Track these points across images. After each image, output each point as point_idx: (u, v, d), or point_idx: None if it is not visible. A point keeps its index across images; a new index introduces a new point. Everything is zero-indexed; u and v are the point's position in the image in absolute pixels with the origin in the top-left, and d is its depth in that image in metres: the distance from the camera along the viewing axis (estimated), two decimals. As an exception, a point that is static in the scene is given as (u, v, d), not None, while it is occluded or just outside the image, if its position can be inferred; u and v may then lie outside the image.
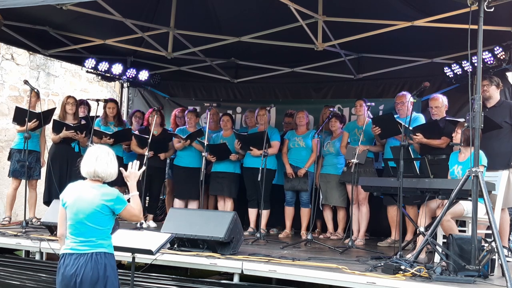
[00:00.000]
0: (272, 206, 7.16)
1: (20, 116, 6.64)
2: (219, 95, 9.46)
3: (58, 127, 6.96)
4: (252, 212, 7.20)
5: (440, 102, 6.03)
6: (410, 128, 5.68)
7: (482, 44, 4.38)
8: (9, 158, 6.96)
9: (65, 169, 6.97)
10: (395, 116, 6.22)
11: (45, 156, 7.04)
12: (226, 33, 7.65)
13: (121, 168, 3.61)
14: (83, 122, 7.19)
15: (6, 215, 6.92)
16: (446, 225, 4.85)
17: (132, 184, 3.64)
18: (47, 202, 6.84)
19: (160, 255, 4.77)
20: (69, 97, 7.29)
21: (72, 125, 6.95)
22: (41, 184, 7.23)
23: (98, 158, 3.47)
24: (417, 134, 5.81)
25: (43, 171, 7.09)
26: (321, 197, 7.07)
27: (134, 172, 3.66)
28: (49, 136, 7.37)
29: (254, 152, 6.86)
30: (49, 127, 7.28)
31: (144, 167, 3.74)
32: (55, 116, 7.14)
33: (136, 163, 3.72)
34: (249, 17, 7.23)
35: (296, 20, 6.53)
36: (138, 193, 3.67)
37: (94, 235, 3.39)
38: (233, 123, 7.60)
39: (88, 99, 7.90)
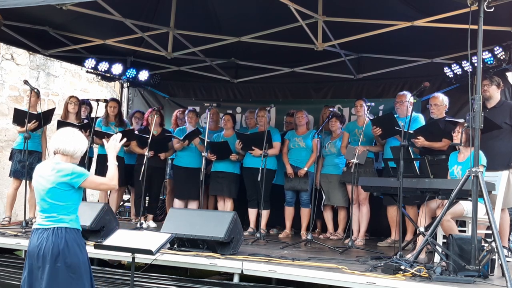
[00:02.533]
0: (272, 206, 7.15)
1: (20, 117, 6.64)
2: (219, 95, 9.46)
3: (63, 127, 6.93)
4: (252, 212, 7.20)
5: (440, 100, 6.03)
6: (411, 131, 5.66)
7: (482, 44, 4.38)
8: (10, 158, 6.96)
9: None
10: (395, 115, 6.22)
11: (47, 156, 7.03)
12: (226, 33, 7.65)
13: (104, 140, 3.69)
14: (86, 121, 7.19)
15: (6, 215, 6.92)
16: (446, 225, 4.85)
17: (110, 155, 3.74)
18: None
19: (160, 255, 4.76)
20: (71, 97, 7.28)
21: (77, 124, 6.96)
22: (41, 184, 7.22)
23: (60, 136, 3.63)
24: (418, 137, 5.80)
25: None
26: (323, 197, 7.07)
27: (114, 144, 3.78)
28: (49, 136, 7.37)
29: (255, 152, 6.85)
30: (50, 127, 7.28)
31: (124, 140, 3.85)
32: (58, 116, 7.14)
33: (119, 135, 3.85)
34: (249, 17, 7.23)
35: (296, 20, 6.54)
36: (115, 163, 3.73)
37: (55, 210, 3.53)
38: (234, 123, 7.58)
39: (88, 99, 7.90)
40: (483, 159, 4.91)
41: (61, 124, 6.97)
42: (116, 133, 7.02)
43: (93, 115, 7.60)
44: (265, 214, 6.95)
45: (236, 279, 4.80)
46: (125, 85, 9.84)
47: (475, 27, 4.34)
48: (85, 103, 7.73)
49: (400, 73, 8.12)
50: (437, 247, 4.69)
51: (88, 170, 6.09)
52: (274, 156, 7.04)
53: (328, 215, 7.27)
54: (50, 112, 7.05)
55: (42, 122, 6.68)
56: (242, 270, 4.74)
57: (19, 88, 9.79)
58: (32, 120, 6.58)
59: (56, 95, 10.54)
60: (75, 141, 3.62)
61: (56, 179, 3.50)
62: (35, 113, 6.72)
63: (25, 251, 5.97)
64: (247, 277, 4.85)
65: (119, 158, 6.51)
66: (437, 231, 4.95)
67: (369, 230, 7.00)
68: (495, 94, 5.69)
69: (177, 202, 7.35)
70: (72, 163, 3.61)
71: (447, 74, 7.55)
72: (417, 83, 7.35)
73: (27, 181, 6.70)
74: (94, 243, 4.40)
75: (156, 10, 7.37)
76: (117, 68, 8.83)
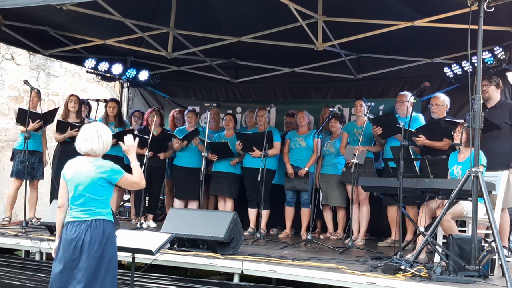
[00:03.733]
0: (272, 206, 7.15)
1: (23, 117, 6.64)
2: (219, 95, 9.46)
3: (63, 127, 6.96)
4: (252, 212, 7.20)
5: (441, 100, 6.02)
6: (412, 130, 5.66)
7: (482, 44, 4.38)
8: (12, 159, 6.96)
9: None
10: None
11: (47, 156, 7.04)
12: (226, 33, 7.65)
13: (120, 142, 3.95)
14: (86, 121, 7.19)
15: (6, 215, 6.92)
16: (446, 225, 4.85)
17: (132, 156, 3.89)
18: None
19: (160, 255, 4.76)
20: (71, 95, 7.28)
21: (76, 123, 6.96)
22: (41, 184, 7.23)
23: (90, 137, 3.74)
24: (419, 136, 5.80)
25: (46, 171, 7.08)
26: (321, 196, 7.07)
27: (131, 145, 3.90)
28: (49, 136, 7.37)
29: (255, 153, 6.85)
30: (50, 127, 7.29)
31: (137, 139, 4.00)
32: (59, 116, 7.15)
33: (130, 136, 3.95)
34: (249, 17, 7.23)
35: (296, 20, 6.54)
36: (138, 163, 3.90)
37: (93, 204, 3.69)
38: (235, 123, 7.57)
39: (88, 99, 7.91)
40: (483, 159, 4.90)
41: (60, 124, 6.98)
42: (116, 133, 7.06)
43: (92, 115, 7.63)
44: (265, 214, 6.95)
45: (236, 279, 4.81)
46: (125, 85, 9.84)
47: (475, 27, 4.34)
48: (85, 103, 7.74)
49: (400, 73, 8.12)
50: (437, 247, 4.69)
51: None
52: (274, 156, 7.03)
53: (328, 215, 7.27)
54: (53, 112, 7.06)
55: (44, 122, 6.69)
56: (242, 270, 4.74)
57: (19, 88, 9.79)
58: (36, 120, 6.59)
59: (56, 95, 10.54)
60: (98, 141, 3.74)
61: (96, 175, 3.68)
62: (38, 112, 6.73)
63: (26, 251, 6.02)
64: (247, 277, 4.85)
65: (118, 158, 6.57)
66: (437, 231, 4.95)
67: (369, 230, 7.00)
68: (494, 94, 5.68)
69: (177, 202, 7.35)
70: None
71: (447, 74, 7.55)
72: (417, 83, 7.35)
73: (27, 181, 6.70)
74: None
75: (156, 10, 7.36)
76: (117, 68, 8.83)
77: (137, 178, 3.84)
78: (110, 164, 3.74)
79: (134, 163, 3.87)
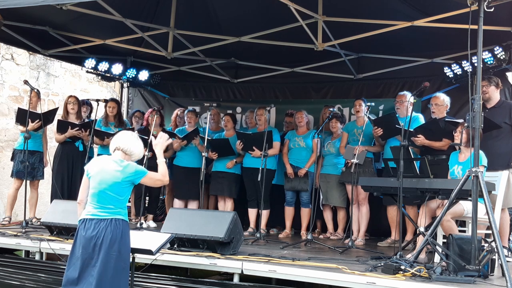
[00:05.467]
0: (272, 206, 7.15)
1: (22, 117, 6.64)
2: (219, 95, 9.46)
3: (63, 126, 6.96)
4: (252, 212, 7.20)
5: (441, 100, 6.02)
6: (411, 129, 5.65)
7: (482, 44, 4.38)
8: (12, 159, 6.96)
9: (70, 168, 7.01)
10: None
11: (47, 156, 7.04)
12: (226, 33, 7.65)
13: (152, 136, 4.14)
14: (86, 121, 7.20)
15: (6, 215, 6.92)
16: (446, 225, 4.85)
17: (158, 152, 4.03)
18: None
19: (160, 255, 4.76)
20: (70, 96, 7.27)
21: (77, 122, 6.97)
22: (42, 184, 7.23)
23: (125, 137, 3.94)
24: (418, 136, 5.80)
25: (46, 171, 7.08)
26: (321, 197, 7.07)
27: (161, 142, 4.05)
28: (49, 136, 7.37)
29: (255, 153, 6.85)
30: (50, 127, 7.29)
31: (170, 140, 4.24)
32: (59, 117, 7.15)
33: (164, 134, 4.12)
34: (249, 17, 7.23)
35: (296, 20, 6.54)
36: (164, 160, 4.04)
37: (113, 203, 3.78)
38: (234, 123, 7.58)
39: (88, 99, 7.90)
40: (483, 160, 4.91)
41: (61, 123, 6.98)
42: (115, 133, 7.06)
43: (93, 115, 7.62)
44: (265, 214, 6.95)
45: (236, 279, 4.81)
46: (125, 85, 9.83)
47: (475, 27, 4.34)
48: (86, 103, 7.74)
49: (400, 73, 8.12)
50: (437, 247, 4.69)
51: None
52: (274, 156, 7.03)
53: (328, 215, 7.27)
54: (53, 112, 7.06)
55: (44, 122, 6.69)
56: (242, 270, 4.75)
57: (19, 88, 9.80)
58: (36, 120, 6.59)
59: (56, 95, 10.54)
60: (137, 145, 3.93)
61: (123, 176, 3.78)
62: (38, 113, 6.73)
63: (26, 251, 6.03)
64: (247, 277, 4.85)
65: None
66: (437, 231, 4.95)
67: (369, 230, 7.00)
68: (494, 94, 5.68)
69: (177, 202, 7.35)
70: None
71: (447, 74, 7.55)
72: (417, 83, 7.37)
73: (27, 181, 6.70)
74: None
75: (156, 10, 7.36)
76: (117, 68, 8.83)
77: (160, 175, 3.97)
78: (134, 165, 3.85)
79: (160, 160, 4.00)
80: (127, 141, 3.91)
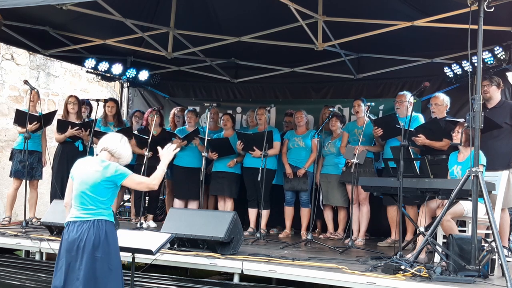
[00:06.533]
0: (272, 206, 7.15)
1: (21, 118, 6.64)
2: (219, 95, 9.46)
3: (63, 126, 6.96)
4: (252, 212, 7.20)
5: (441, 100, 6.02)
6: (411, 129, 5.65)
7: (482, 44, 4.39)
8: (11, 159, 6.96)
9: (70, 168, 6.98)
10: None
11: (47, 156, 7.04)
12: (226, 33, 7.65)
13: (158, 147, 4.07)
14: (86, 120, 7.19)
15: (6, 215, 6.93)
16: (446, 225, 4.85)
17: (162, 162, 3.96)
18: None
19: (160, 255, 4.77)
20: (70, 96, 7.27)
21: (77, 122, 6.96)
22: (42, 184, 7.23)
23: (114, 138, 3.86)
24: (419, 135, 5.80)
25: (45, 171, 7.08)
26: (321, 197, 7.06)
27: (167, 154, 4.00)
28: (49, 136, 7.37)
29: (255, 153, 6.84)
30: (50, 127, 7.28)
31: (177, 149, 4.14)
32: (58, 116, 7.14)
33: (173, 146, 4.10)
34: (249, 17, 7.23)
35: (296, 20, 6.54)
36: (164, 169, 3.94)
37: (95, 204, 3.69)
38: (233, 123, 7.58)
39: (88, 99, 7.90)
40: (482, 159, 4.90)
41: (61, 123, 6.98)
42: (114, 131, 7.05)
43: (93, 115, 7.63)
44: (265, 214, 6.95)
45: (236, 279, 4.81)
46: (125, 85, 9.83)
47: (475, 27, 4.34)
48: (86, 103, 7.74)
49: (400, 73, 8.12)
50: (437, 247, 4.69)
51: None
52: (274, 156, 7.03)
53: (328, 215, 7.27)
54: (52, 114, 7.06)
55: (43, 123, 6.69)
56: (242, 270, 4.75)
57: (19, 88, 9.80)
58: (34, 122, 6.59)
59: (56, 95, 10.55)
60: (126, 149, 3.86)
61: (103, 176, 3.68)
62: (37, 114, 6.73)
63: (26, 251, 6.03)
64: (247, 277, 4.85)
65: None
66: (437, 231, 4.95)
67: (369, 230, 7.00)
68: (495, 94, 5.68)
69: (177, 202, 7.35)
70: None
71: (447, 74, 7.55)
72: (417, 83, 7.37)
73: (27, 181, 6.70)
74: None
75: (156, 10, 7.36)
76: (117, 68, 8.83)
77: (146, 178, 3.90)
78: (115, 165, 3.75)
79: (160, 167, 3.91)
80: (115, 143, 3.82)
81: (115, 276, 3.63)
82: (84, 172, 3.74)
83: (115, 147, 3.81)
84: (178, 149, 4.11)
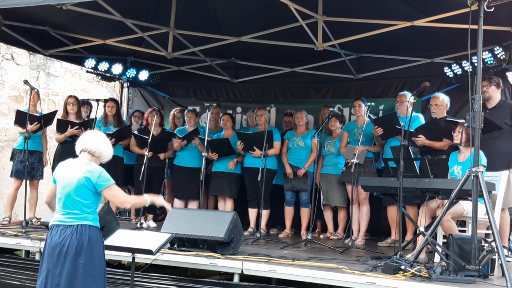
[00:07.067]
0: (272, 206, 7.15)
1: (21, 119, 6.64)
2: (219, 95, 9.46)
3: (63, 126, 6.96)
4: (252, 212, 7.20)
5: (441, 100, 6.02)
6: (411, 130, 5.65)
7: (482, 44, 4.39)
8: (11, 159, 6.96)
9: None
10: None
11: (47, 156, 7.04)
12: (226, 33, 7.65)
13: (165, 181, 3.89)
14: (86, 120, 7.20)
15: (6, 215, 6.93)
16: (446, 225, 4.85)
17: (155, 199, 3.93)
18: None
19: (160, 255, 4.76)
20: (69, 96, 7.27)
21: (77, 122, 6.97)
22: (42, 184, 7.23)
23: (92, 137, 3.76)
24: (419, 136, 5.80)
25: (46, 171, 7.08)
26: (321, 197, 7.06)
27: (160, 202, 4.01)
28: (50, 136, 7.37)
29: (256, 153, 6.84)
30: (50, 127, 7.28)
31: (168, 207, 4.18)
32: (58, 116, 7.14)
33: (167, 205, 4.10)
34: (249, 17, 7.23)
35: (296, 20, 6.54)
36: (148, 203, 3.89)
37: (79, 208, 3.60)
38: (233, 123, 7.58)
39: (88, 99, 7.90)
40: (483, 159, 4.90)
41: (60, 123, 6.98)
42: (114, 132, 7.04)
43: (92, 115, 7.64)
44: (265, 214, 6.95)
45: (236, 279, 4.81)
46: (125, 85, 9.83)
47: (475, 27, 4.34)
48: (86, 103, 7.73)
49: (400, 73, 8.12)
50: (437, 247, 4.69)
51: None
52: (274, 156, 7.03)
53: (328, 215, 7.27)
54: (52, 114, 7.06)
55: (43, 124, 6.69)
56: (242, 270, 4.75)
57: (19, 88, 9.80)
58: (34, 122, 6.59)
59: (56, 95, 10.54)
60: (103, 144, 3.75)
61: (85, 177, 3.60)
62: (37, 115, 6.73)
63: (26, 251, 6.03)
64: (247, 277, 4.85)
65: (118, 158, 6.58)
66: (437, 231, 4.95)
67: (369, 230, 7.00)
68: (494, 94, 5.68)
69: (177, 202, 7.35)
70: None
71: (447, 74, 7.55)
72: (417, 83, 7.36)
73: (27, 181, 6.70)
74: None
75: (156, 10, 7.36)
76: (117, 68, 8.83)
77: (126, 197, 3.81)
78: (100, 170, 3.65)
79: (148, 198, 3.86)
80: (94, 142, 3.72)
81: (98, 284, 3.55)
82: (67, 175, 3.65)
83: (93, 146, 3.70)
84: (169, 208, 4.16)
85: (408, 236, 6.09)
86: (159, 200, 3.99)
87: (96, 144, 3.71)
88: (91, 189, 3.62)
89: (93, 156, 3.71)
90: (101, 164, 3.79)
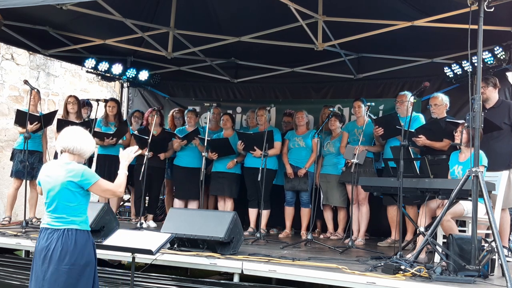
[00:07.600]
0: (272, 206, 7.15)
1: (21, 118, 6.64)
2: (219, 95, 9.47)
3: (63, 126, 6.92)
4: (252, 212, 7.20)
5: (440, 100, 6.02)
6: (412, 130, 5.65)
7: (482, 44, 4.38)
8: (11, 159, 6.96)
9: None
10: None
11: (47, 156, 7.03)
12: (226, 33, 7.65)
13: (121, 149, 3.81)
14: (86, 120, 7.19)
15: (6, 215, 6.92)
16: (446, 225, 4.85)
17: (122, 163, 3.76)
18: None
19: (160, 255, 4.76)
20: (69, 96, 7.26)
21: (78, 122, 6.96)
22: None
23: (70, 135, 3.62)
24: (419, 136, 5.80)
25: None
26: (321, 197, 7.06)
27: (127, 154, 3.79)
28: (50, 136, 7.37)
29: (256, 153, 6.84)
30: (50, 127, 7.28)
31: (138, 152, 3.90)
32: (58, 116, 7.14)
33: (136, 147, 3.90)
34: (249, 17, 7.23)
35: (296, 20, 6.54)
36: (126, 173, 3.75)
37: (65, 211, 3.50)
38: (233, 123, 7.59)
39: (89, 99, 7.90)
40: (484, 160, 4.90)
41: (60, 122, 6.97)
42: (114, 132, 7.04)
43: (93, 115, 7.63)
44: (265, 214, 6.95)
45: (236, 279, 4.81)
46: (125, 85, 9.84)
47: (475, 27, 4.34)
48: (86, 103, 7.73)
49: (400, 73, 8.12)
50: (437, 247, 4.69)
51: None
52: (274, 156, 7.03)
53: (328, 215, 7.27)
54: (52, 114, 7.06)
55: (43, 124, 6.68)
56: (242, 270, 4.74)
57: (19, 88, 9.80)
58: (34, 122, 6.59)
59: (56, 95, 10.55)
60: (82, 140, 3.60)
61: (67, 179, 3.47)
62: (37, 115, 6.72)
63: (26, 251, 6.03)
64: (247, 277, 4.85)
65: (118, 158, 6.57)
66: (437, 231, 4.95)
67: (369, 230, 7.00)
68: (492, 95, 5.69)
69: (177, 202, 7.35)
70: (79, 162, 3.59)
71: (447, 74, 7.56)
72: (417, 83, 7.37)
73: (27, 181, 6.70)
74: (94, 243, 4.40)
75: (156, 10, 7.36)
76: (117, 68, 8.83)
77: (113, 185, 3.65)
78: (82, 168, 3.52)
79: (121, 171, 3.72)
80: (73, 140, 3.56)
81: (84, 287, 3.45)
82: (50, 179, 3.54)
83: (72, 145, 3.55)
84: (140, 151, 3.86)
85: (408, 236, 6.09)
86: (127, 160, 3.79)
87: (75, 142, 3.56)
88: (76, 190, 3.50)
89: (74, 155, 3.57)
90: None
